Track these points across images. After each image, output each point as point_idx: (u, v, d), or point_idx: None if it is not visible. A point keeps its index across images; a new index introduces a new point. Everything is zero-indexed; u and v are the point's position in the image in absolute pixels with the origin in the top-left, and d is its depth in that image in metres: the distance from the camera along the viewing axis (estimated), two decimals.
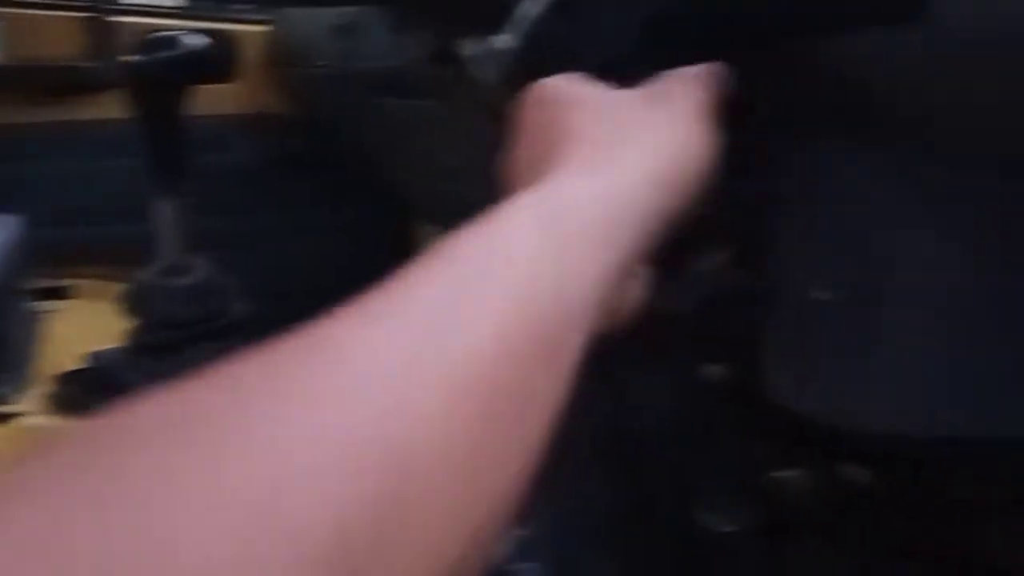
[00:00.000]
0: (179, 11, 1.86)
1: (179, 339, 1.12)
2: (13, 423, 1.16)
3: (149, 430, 0.24)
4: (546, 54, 0.54)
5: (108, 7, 1.63)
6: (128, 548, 0.20)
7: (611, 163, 0.41)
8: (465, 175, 1.15)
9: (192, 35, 1.22)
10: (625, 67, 0.54)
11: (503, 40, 0.55)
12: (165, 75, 1.19)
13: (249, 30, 1.77)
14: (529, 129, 0.46)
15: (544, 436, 0.33)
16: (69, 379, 1.22)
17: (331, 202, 1.82)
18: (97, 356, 1.23)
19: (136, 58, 1.18)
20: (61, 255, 1.53)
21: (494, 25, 0.59)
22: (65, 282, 1.56)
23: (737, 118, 0.52)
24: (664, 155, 0.43)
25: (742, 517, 0.89)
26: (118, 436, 0.24)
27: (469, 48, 0.57)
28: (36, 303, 1.47)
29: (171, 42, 1.19)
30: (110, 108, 1.53)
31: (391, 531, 0.25)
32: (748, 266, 0.60)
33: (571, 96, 0.45)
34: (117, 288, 1.27)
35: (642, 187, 0.41)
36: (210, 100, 1.69)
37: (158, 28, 1.34)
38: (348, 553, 0.23)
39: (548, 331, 0.33)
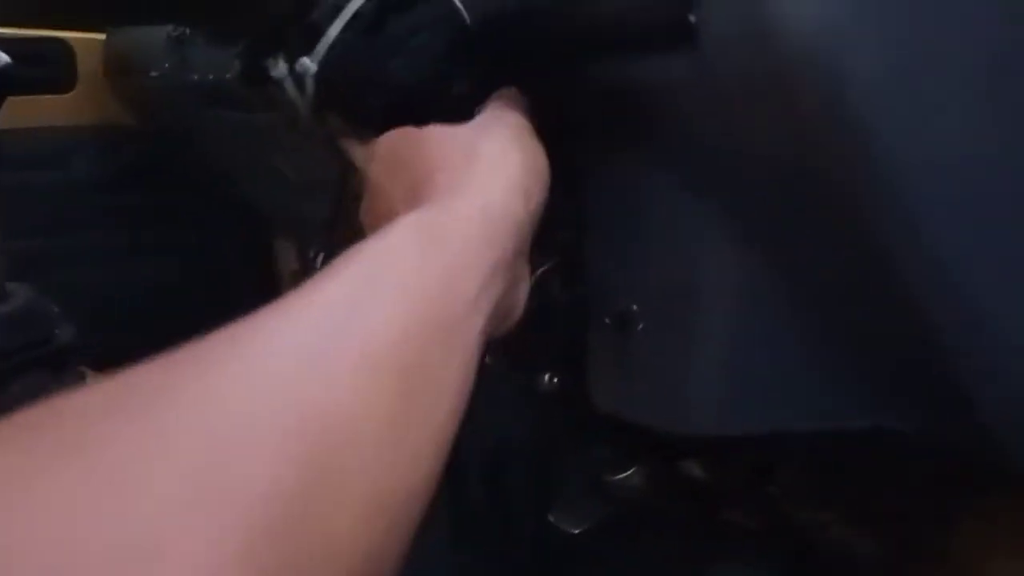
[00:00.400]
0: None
1: (2, 369, 1.06)
2: None
3: (94, 406, 0.26)
4: (346, 77, 0.53)
5: None
6: (87, 494, 0.23)
7: (474, 183, 0.44)
8: (308, 188, 1.13)
9: None
10: (429, 88, 0.54)
11: (304, 64, 0.54)
12: None
13: (86, 38, 1.69)
14: (386, 177, 0.49)
15: (453, 416, 0.35)
16: None
17: (179, 218, 1.76)
18: None
19: None
20: None
21: (302, 47, 0.58)
22: None
23: (544, 136, 0.53)
24: (516, 170, 0.47)
25: (591, 516, 0.91)
26: (63, 415, 0.26)
27: (275, 69, 0.56)
28: None
29: None
30: None
31: (321, 494, 0.27)
32: (568, 279, 0.61)
33: (420, 136, 0.49)
34: None
35: (507, 196, 0.45)
36: (47, 112, 1.61)
37: None
38: (286, 508, 0.26)
39: (442, 318, 0.36)
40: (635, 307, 0.57)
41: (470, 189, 0.43)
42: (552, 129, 0.54)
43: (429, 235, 0.38)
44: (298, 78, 0.55)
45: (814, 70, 0.43)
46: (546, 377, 0.69)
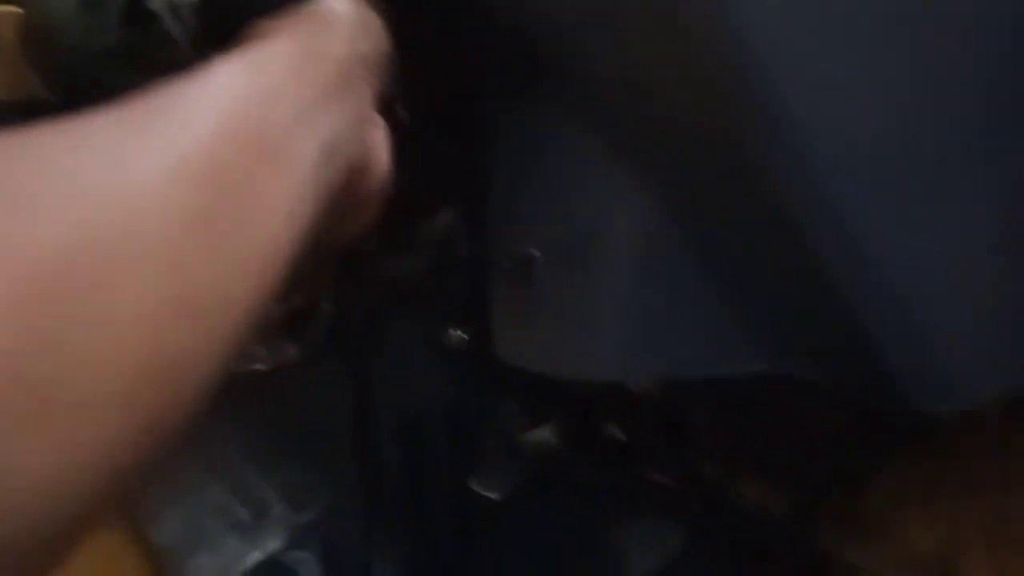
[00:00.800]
0: None
1: None
2: None
3: None
4: (225, 5, 0.52)
5: None
6: None
7: (295, 26, 0.45)
8: None
9: None
10: None
11: None
12: None
13: (2, 10, 1.63)
14: None
15: (283, 234, 0.35)
16: None
17: None
18: None
19: None
20: None
21: None
22: None
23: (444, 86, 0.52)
24: (341, 19, 0.47)
25: (510, 480, 0.90)
26: None
27: (156, 3, 0.55)
28: None
29: None
30: None
31: (109, 270, 0.27)
32: (472, 231, 0.60)
33: None
34: None
35: (328, 37, 0.45)
36: None
37: None
38: (67, 268, 0.26)
39: (261, 131, 0.35)
40: (536, 253, 0.56)
41: (288, 29, 0.44)
42: (453, 78, 0.53)
43: (245, 64, 0.38)
44: (175, 9, 0.53)
45: (711, 18, 0.42)
46: (453, 332, 0.69)
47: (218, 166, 0.32)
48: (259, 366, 1.32)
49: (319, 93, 0.41)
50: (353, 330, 0.82)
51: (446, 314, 0.68)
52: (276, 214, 0.35)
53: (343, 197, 0.44)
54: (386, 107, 0.50)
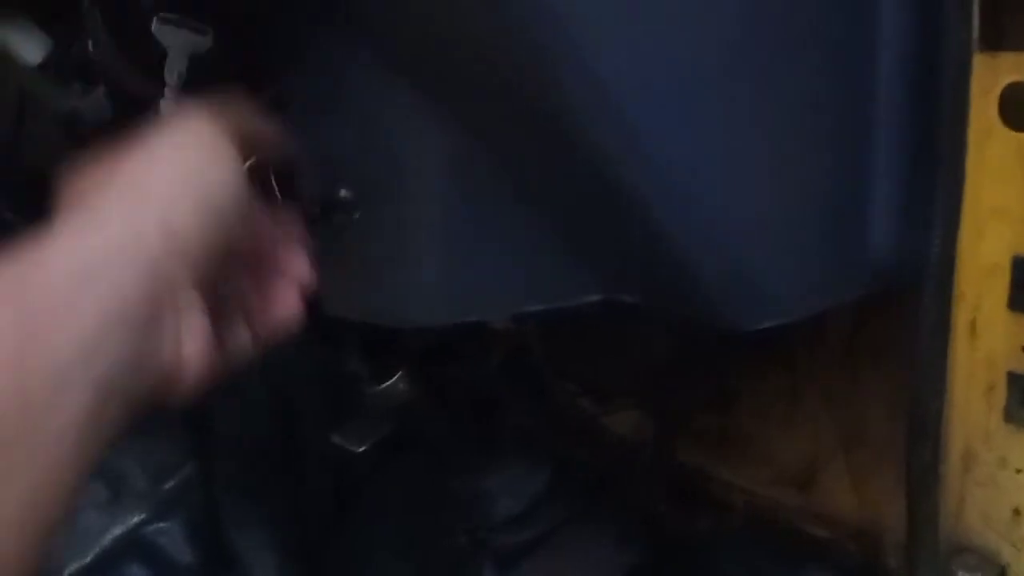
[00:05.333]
0: None
1: None
2: None
3: None
4: None
5: None
6: None
7: (89, 219, 0.38)
8: None
9: None
10: None
11: None
12: None
13: None
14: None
15: (44, 496, 0.32)
16: None
17: None
18: None
19: None
20: None
21: None
22: None
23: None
24: (155, 202, 0.40)
25: (372, 434, 0.87)
26: None
27: None
28: None
29: None
30: None
31: None
32: (283, 179, 0.56)
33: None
34: None
35: (128, 235, 0.38)
36: None
37: None
38: None
39: (26, 385, 0.32)
40: (345, 193, 0.52)
41: (80, 228, 0.37)
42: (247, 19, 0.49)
43: (10, 293, 0.33)
44: None
45: None
46: None
47: None
48: None
49: (97, 325, 0.35)
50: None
51: None
52: (42, 468, 0.32)
53: (150, 397, 0.38)
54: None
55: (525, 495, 0.79)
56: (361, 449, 0.90)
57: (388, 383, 0.72)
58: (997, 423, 0.52)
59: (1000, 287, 0.50)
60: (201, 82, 0.53)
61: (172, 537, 0.97)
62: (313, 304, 0.64)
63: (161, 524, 0.98)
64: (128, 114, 0.53)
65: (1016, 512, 0.53)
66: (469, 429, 0.79)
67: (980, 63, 0.47)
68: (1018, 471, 0.52)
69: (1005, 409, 0.52)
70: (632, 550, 0.77)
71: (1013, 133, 0.48)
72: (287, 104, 0.54)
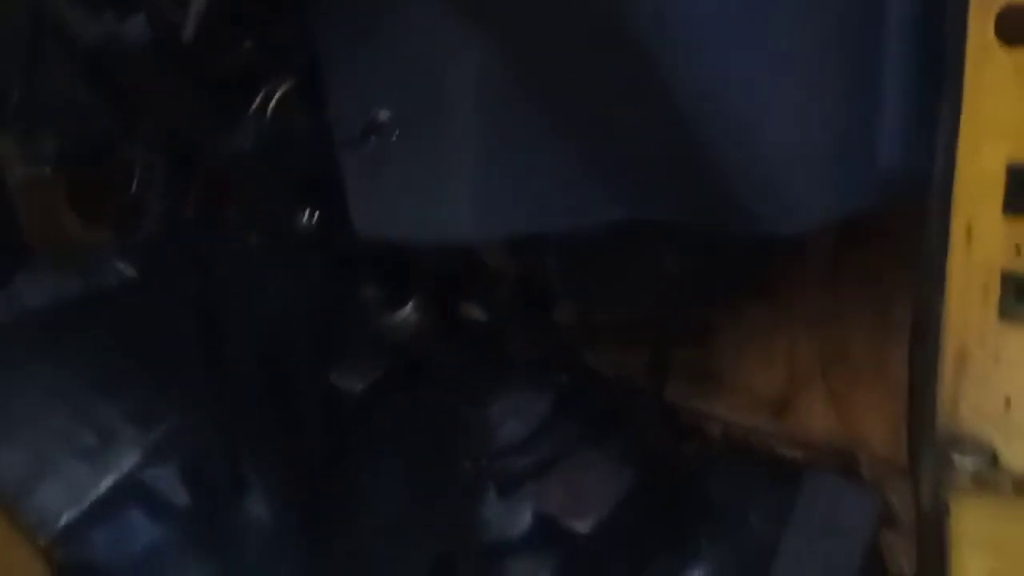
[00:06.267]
0: None
1: None
2: None
3: None
4: None
5: None
6: None
7: None
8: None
9: None
10: None
11: None
12: None
13: None
14: None
15: None
16: None
17: None
18: None
19: None
20: None
21: None
22: None
23: None
24: None
25: (372, 371, 0.89)
26: None
27: None
28: None
29: None
30: None
31: None
32: (309, 102, 0.58)
33: None
34: None
35: None
36: None
37: None
38: None
39: None
40: (387, 115, 0.54)
41: None
42: None
43: None
44: None
45: None
46: (304, 215, 0.66)
47: None
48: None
49: None
50: (185, 233, 0.78)
51: (295, 197, 0.65)
52: None
53: None
54: None
55: (529, 422, 0.82)
56: (360, 388, 0.92)
57: (401, 312, 0.74)
58: (992, 321, 0.57)
59: (996, 194, 0.54)
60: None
61: (168, 481, 0.98)
62: (333, 234, 0.66)
63: (156, 469, 0.99)
64: (165, 44, 0.53)
65: (1007, 402, 0.58)
66: (476, 358, 0.82)
67: None
68: (1010, 364, 0.57)
69: (999, 306, 0.56)
70: (628, 475, 0.81)
71: (1009, 50, 0.52)
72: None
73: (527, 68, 0.52)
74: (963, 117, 0.54)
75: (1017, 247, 0.55)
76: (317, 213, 0.66)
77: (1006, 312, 0.56)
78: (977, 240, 0.56)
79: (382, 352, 0.87)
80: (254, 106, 0.57)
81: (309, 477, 0.96)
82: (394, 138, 0.55)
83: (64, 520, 0.96)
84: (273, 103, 0.56)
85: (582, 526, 0.77)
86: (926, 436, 0.60)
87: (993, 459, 0.59)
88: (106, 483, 0.99)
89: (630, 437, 0.83)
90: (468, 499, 0.84)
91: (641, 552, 0.83)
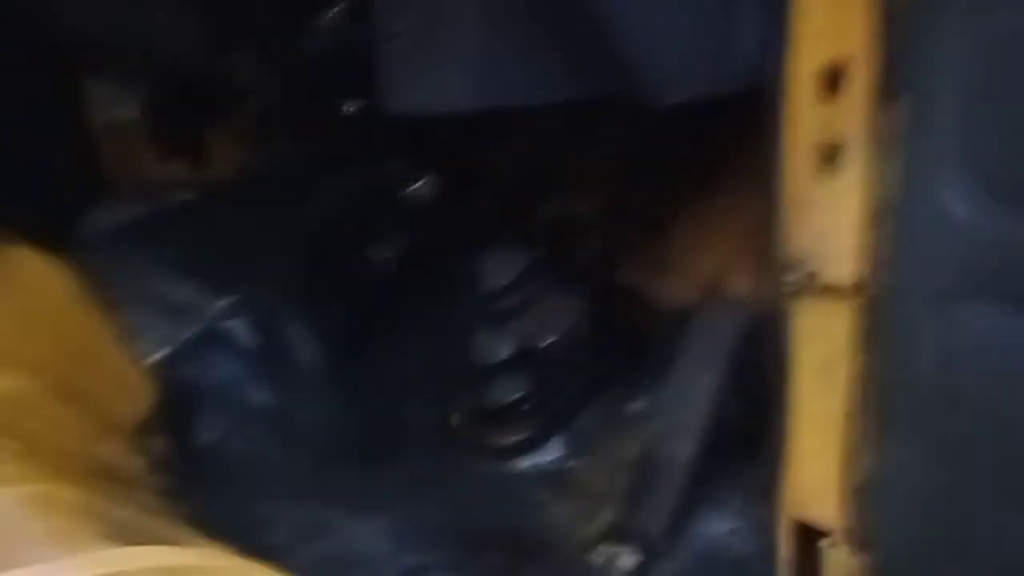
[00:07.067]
0: None
1: None
2: None
3: None
4: None
5: None
6: None
7: None
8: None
9: None
10: None
11: None
12: None
13: None
14: None
15: None
16: None
17: None
18: None
19: None
20: None
21: None
22: None
23: None
24: None
25: (397, 238, 1.19)
26: None
27: None
28: None
29: None
30: None
31: None
32: (360, 12, 0.86)
33: None
34: None
35: None
36: None
37: None
38: None
39: None
40: (411, 23, 0.83)
41: None
42: None
43: None
44: None
45: None
46: (349, 105, 0.95)
47: None
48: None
49: None
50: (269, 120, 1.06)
51: (345, 87, 0.94)
52: None
53: None
54: None
55: (510, 274, 1.10)
56: (389, 256, 1.21)
57: (417, 186, 1.03)
58: (811, 177, 0.84)
59: (813, 85, 0.82)
60: None
61: (240, 330, 1.27)
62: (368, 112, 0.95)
63: (229, 322, 1.28)
64: None
65: (822, 230, 0.85)
66: (473, 224, 1.10)
67: None
68: (822, 208, 0.84)
69: (815, 167, 0.84)
70: (585, 311, 1.09)
71: None
72: None
73: None
74: (790, 29, 0.81)
75: (825, 123, 0.82)
76: (359, 104, 0.95)
77: (819, 169, 0.84)
78: (800, 119, 0.84)
79: (406, 223, 1.16)
80: (321, 18, 0.86)
81: (349, 326, 1.25)
82: (417, 37, 0.83)
83: (161, 354, 1.25)
84: (333, 16, 0.85)
85: (543, 345, 1.05)
86: (772, 267, 0.87)
87: (813, 274, 0.86)
88: (192, 331, 1.28)
89: (589, 290, 1.12)
90: (466, 333, 1.13)
91: (594, 376, 1.12)
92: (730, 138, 1.08)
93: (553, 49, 0.82)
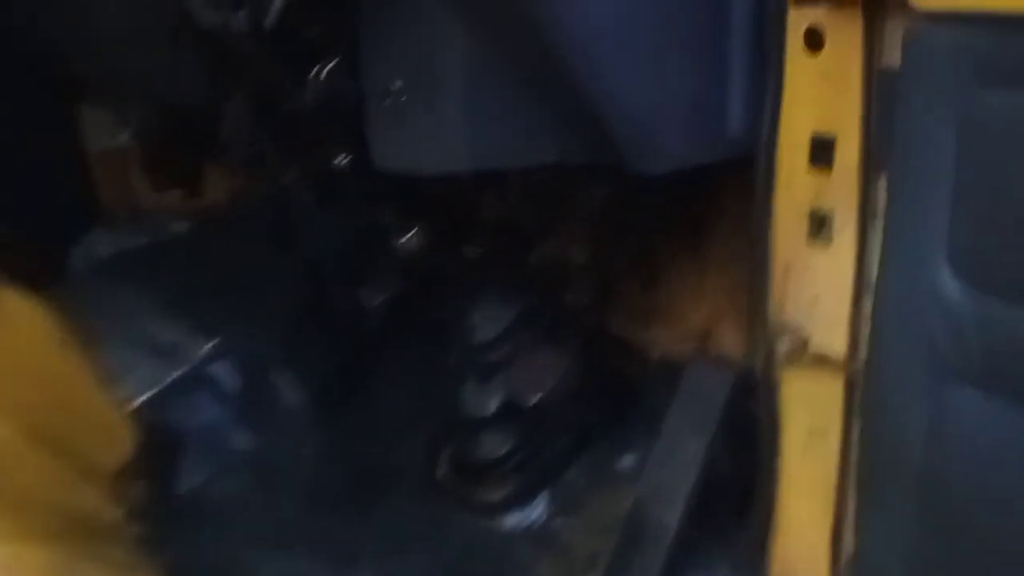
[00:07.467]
0: None
1: None
2: None
3: None
4: None
5: None
6: None
7: None
8: (134, 39, 1.23)
9: None
10: None
11: None
12: None
13: None
14: None
15: None
16: None
17: None
18: None
19: None
20: None
21: None
22: None
23: None
24: None
25: (385, 287, 1.18)
26: None
27: None
28: None
29: None
30: None
31: None
32: (351, 71, 0.86)
33: None
34: None
35: None
36: None
37: None
38: None
39: None
40: (399, 83, 0.82)
41: None
42: None
43: None
44: None
45: None
46: (340, 157, 0.94)
47: None
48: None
49: None
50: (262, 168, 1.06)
51: (335, 142, 0.93)
52: None
53: None
54: None
55: (499, 327, 1.09)
56: (379, 302, 1.20)
57: (407, 237, 1.02)
58: (803, 244, 0.84)
59: (803, 154, 0.81)
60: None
61: (224, 374, 1.26)
62: (360, 173, 0.94)
63: (215, 365, 1.27)
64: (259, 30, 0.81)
65: (814, 299, 0.84)
66: (464, 278, 1.09)
67: (793, 12, 0.78)
68: (815, 273, 0.84)
69: (807, 234, 0.83)
70: (573, 366, 1.08)
71: (810, 55, 0.79)
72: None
73: (496, 49, 0.80)
74: (783, 99, 0.80)
75: (817, 192, 0.82)
76: (350, 156, 0.94)
77: (812, 237, 0.83)
78: (793, 188, 0.83)
79: (396, 272, 1.15)
80: (313, 74, 0.85)
81: (335, 373, 1.24)
82: (403, 98, 0.83)
83: (144, 396, 1.24)
84: (325, 73, 0.84)
85: (531, 401, 1.04)
86: (761, 331, 0.86)
87: (804, 342, 0.85)
88: (177, 373, 1.27)
89: (578, 341, 1.11)
90: (453, 387, 1.12)
91: (582, 431, 1.10)
92: (722, 192, 1.07)
93: (542, 112, 0.81)
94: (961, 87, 0.63)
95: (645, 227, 1.14)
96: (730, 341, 1.16)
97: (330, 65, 0.85)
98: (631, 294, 1.21)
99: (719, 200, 1.11)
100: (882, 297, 0.72)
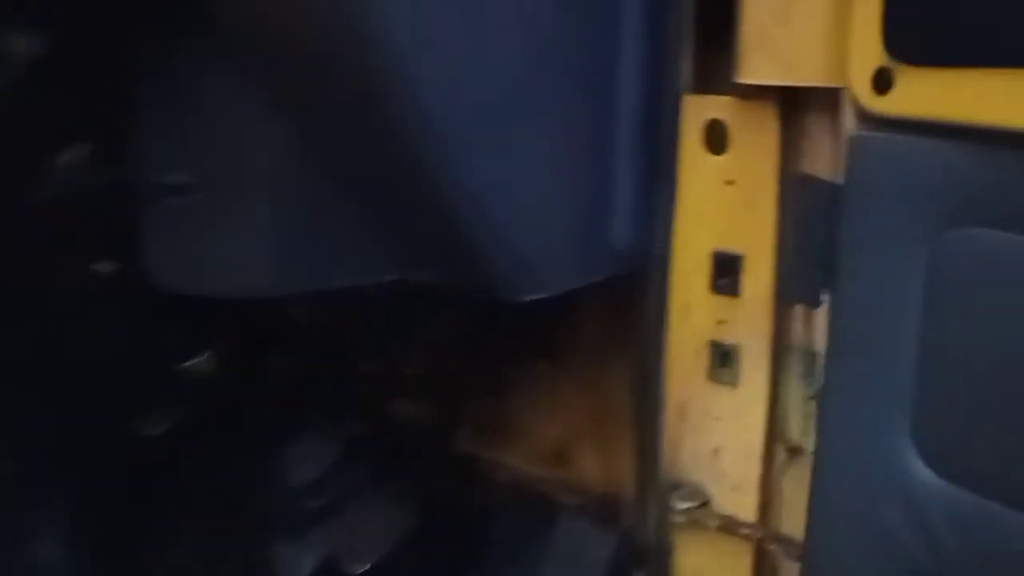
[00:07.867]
0: None
1: None
2: None
3: None
4: None
5: None
6: None
7: None
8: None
9: None
10: None
11: None
12: None
13: None
14: None
15: None
16: None
17: None
18: None
19: None
20: None
21: None
22: None
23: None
24: None
25: (168, 415, 0.93)
26: None
27: None
28: None
29: None
30: None
31: None
32: (105, 160, 0.63)
33: None
34: None
35: None
36: None
37: None
38: None
39: None
40: (188, 180, 0.60)
41: None
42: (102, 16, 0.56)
43: None
44: None
45: None
46: (105, 264, 0.71)
47: None
48: None
49: None
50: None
51: (93, 247, 0.70)
52: None
53: None
54: None
55: (319, 467, 0.87)
56: (160, 432, 0.95)
57: (196, 362, 0.79)
58: (702, 381, 0.68)
59: (704, 275, 0.66)
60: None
61: None
62: (135, 284, 0.71)
63: None
64: None
65: (715, 451, 0.69)
66: (274, 406, 0.87)
67: (689, 102, 0.63)
68: (716, 419, 0.68)
69: (708, 369, 0.67)
70: (409, 518, 0.87)
71: (713, 156, 0.64)
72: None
73: (317, 149, 0.60)
74: (677, 212, 0.65)
75: (719, 321, 0.66)
76: (118, 264, 0.71)
77: (713, 374, 0.67)
78: (690, 314, 0.67)
79: (184, 397, 0.91)
80: (60, 160, 0.62)
81: (103, 519, 0.97)
82: (197, 200, 0.61)
83: None
84: (77, 159, 0.61)
85: (358, 568, 0.83)
86: (652, 484, 0.70)
87: (704, 502, 0.69)
88: None
89: (415, 482, 0.90)
90: (256, 542, 0.88)
91: None
92: (583, 310, 0.92)
93: (376, 224, 0.62)
94: (932, 216, 0.49)
95: (494, 336, 0.96)
96: (590, 466, 1.00)
97: (81, 147, 0.62)
98: (477, 409, 1.03)
99: (580, 307, 0.95)
100: (822, 474, 0.57)
